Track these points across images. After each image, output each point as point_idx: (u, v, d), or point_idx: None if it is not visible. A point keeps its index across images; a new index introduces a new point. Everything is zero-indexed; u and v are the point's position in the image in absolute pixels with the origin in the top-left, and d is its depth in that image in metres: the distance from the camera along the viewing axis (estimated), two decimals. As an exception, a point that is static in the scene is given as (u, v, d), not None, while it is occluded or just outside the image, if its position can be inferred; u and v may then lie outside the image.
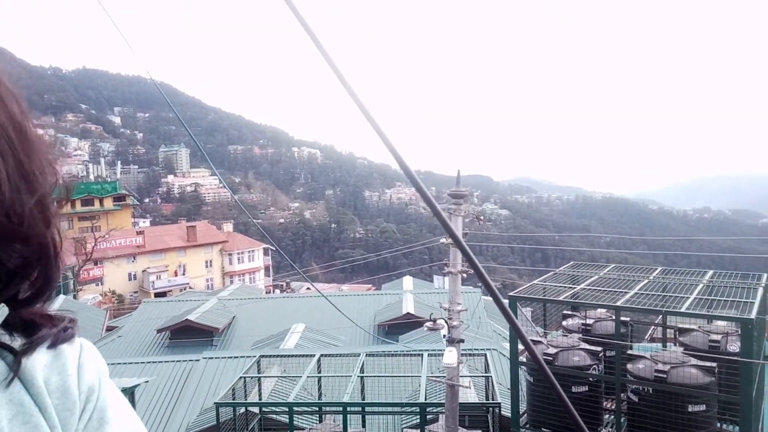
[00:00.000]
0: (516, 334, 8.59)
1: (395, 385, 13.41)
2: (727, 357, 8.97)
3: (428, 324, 10.68)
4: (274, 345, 20.24)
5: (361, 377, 12.95)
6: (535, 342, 10.35)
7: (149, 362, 18.13)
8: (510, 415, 10.32)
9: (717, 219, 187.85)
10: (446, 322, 10.56)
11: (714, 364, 8.77)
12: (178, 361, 17.84)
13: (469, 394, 12.36)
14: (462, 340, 10.82)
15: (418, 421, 11.44)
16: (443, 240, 10.74)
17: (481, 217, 11.60)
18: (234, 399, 12.05)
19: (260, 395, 12.98)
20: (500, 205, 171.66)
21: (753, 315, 8.69)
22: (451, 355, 9.86)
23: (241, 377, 12.96)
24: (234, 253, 66.73)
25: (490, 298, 31.54)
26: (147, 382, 13.93)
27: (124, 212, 71.18)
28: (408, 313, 23.22)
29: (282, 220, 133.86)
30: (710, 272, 11.78)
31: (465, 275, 11.36)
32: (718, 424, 9.03)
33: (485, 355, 13.95)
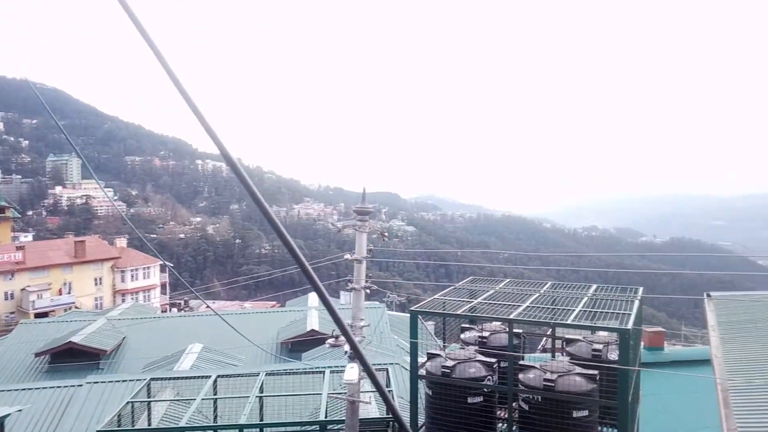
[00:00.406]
0: (414, 348, 8.70)
1: (296, 403, 13.11)
2: (607, 365, 9.62)
3: (330, 341, 10.58)
4: (168, 367, 19.17)
5: (260, 397, 12.56)
6: (434, 355, 10.55)
7: (24, 389, 16.47)
8: (410, 427, 10.41)
9: (603, 236, 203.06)
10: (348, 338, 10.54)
11: (596, 372, 9.37)
12: (58, 386, 16.34)
13: (370, 410, 12.34)
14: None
15: (319, 439, 11.26)
16: (347, 256, 10.73)
17: (386, 234, 11.74)
18: (120, 426, 11.22)
19: (149, 421, 12.20)
20: (407, 221, 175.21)
21: (630, 325, 9.39)
22: (352, 372, 9.82)
23: (128, 402, 12.11)
24: (127, 270, 62.74)
25: (394, 312, 31.92)
26: (20, 410, 12.65)
27: (2, 225, 64.88)
28: (312, 329, 22.91)
29: (182, 236, 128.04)
30: (594, 286, 12.61)
31: (369, 291, 11.42)
32: (600, 428, 9.64)
33: (387, 369, 14.03)
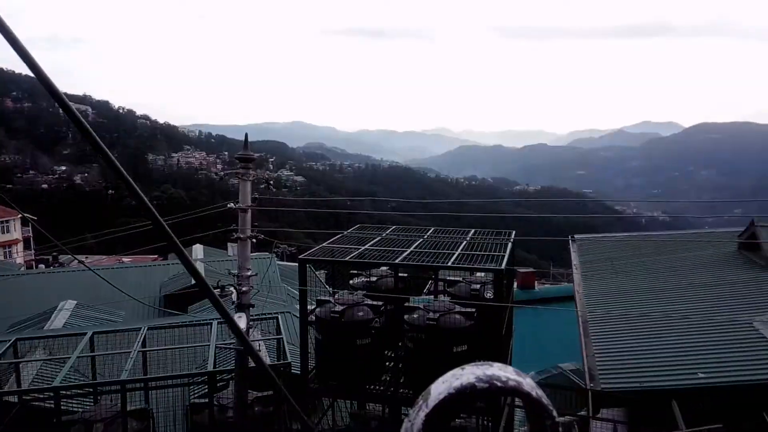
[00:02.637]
0: (302, 295, 8.81)
1: (183, 356, 12.85)
2: (483, 302, 10.42)
3: (215, 291, 10.38)
4: (39, 326, 17.82)
5: (143, 352, 12.14)
6: (324, 302, 10.77)
7: None
8: (300, 372, 10.68)
9: (482, 185, 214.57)
10: (235, 288, 10.40)
11: (474, 310, 10.12)
12: None
13: (261, 357, 12.42)
14: (252, 305, 10.79)
15: (207, 390, 11.19)
16: (231, 204, 10.46)
17: (271, 182, 11.55)
18: (-17, 391, 10.36)
19: (19, 382, 11.37)
20: (296, 171, 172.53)
21: (503, 266, 10.18)
22: (240, 321, 9.78)
23: (-9, 365, 11.18)
24: (-18, 225, 56.42)
25: (286, 263, 31.80)
26: None
27: None
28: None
29: (45, 186, 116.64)
30: (472, 231, 13.42)
31: (255, 240, 11.26)
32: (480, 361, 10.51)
33: (277, 318, 14.11)
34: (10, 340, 12.51)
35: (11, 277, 26.00)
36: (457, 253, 11.04)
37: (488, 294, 10.87)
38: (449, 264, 10.44)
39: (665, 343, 8.82)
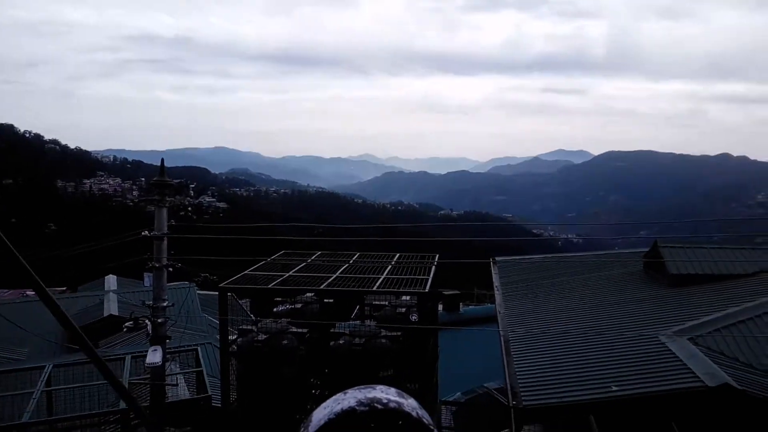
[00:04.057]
0: (222, 325, 8.49)
1: (93, 394, 11.98)
2: (408, 326, 10.47)
3: (128, 324, 9.86)
4: (-76, 369, 16.05)
5: (47, 392, 11.22)
6: (246, 331, 10.44)
7: None
8: (221, 405, 10.23)
9: (408, 210, 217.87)
10: (150, 320, 9.89)
11: (400, 333, 10.15)
12: None
13: (180, 391, 11.82)
14: (169, 338, 10.30)
15: (121, 429, 10.47)
16: (145, 232, 10.01)
17: (189, 209, 11.15)
18: None
19: None
20: (218, 197, 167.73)
21: (427, 289, 10.32)
22: (155, 354, 9.30)
23: None
24: None
25: (208, 291, 30.61)
26: None
27: None
28: (111, 315, 21.02)
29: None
30: (397, 255, 13.55)
31: (172, 269, 10.81)
32: (406, 385, 10.49)
33: (196, 349, 13.51)
34: None
35: None
36: (382, 277, 11.09)
37: (414, 317, 10.94)
38: (374, 288, 10.45)
39: (581, 358, 9.21)
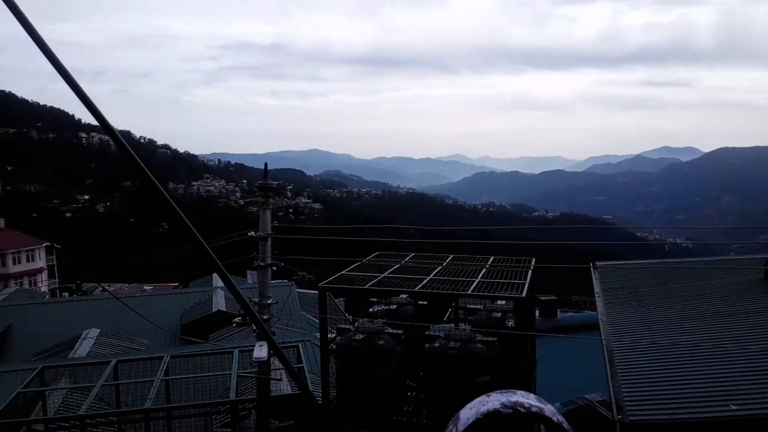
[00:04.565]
0: (323, 323, 8.85)
1: (205, 385, 12.89)
2: (504, 331, 10.32)
3: (237, 320, 10.48)
4: (63, 354, 18.02)
5: (166, 380, 12.21)
6: (344, 330, 10.77)
7: None
8: (321, 402, 10.62)
9: (500, 212, 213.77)
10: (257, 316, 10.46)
11: (495, 339, 10.03)
12: (-69, 382, 14.85)
13: (282, 387, 12.41)
14: (273, 334, 10.83)
15: (230, 419, 11.18)
16: (252, 233, 10.60)
17: (291, 210, 11.69)
18: (11, 418, 10.47)
19: (45, 411, 11.48)
20: (313, 198, 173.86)
21: (524, 294, 10.11)
22: (261, 350, 9.81)
23: (19, 392, 11.32)
24: (8, 253, 57.46)
25: (305, 290, 31.84)
26: None
27: None
28: (219, 310, 22.41)
29: (69, 215, 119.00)
30: (492, 258, 13.36)
31: (275, 268, 11.37)
32: (500, 391, 10.36)
33: (297, 346, 14.11)
34: (36, 369, 12.69)
35: (37, 305, 26.43)
36: (476, 280, 10.99)
37: (510, 323, 10.77)
38: (469, 292, 10.39)
39: (694, 373, 8.64)
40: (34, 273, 59.44)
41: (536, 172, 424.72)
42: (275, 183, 11.45)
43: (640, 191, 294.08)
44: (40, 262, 60.42)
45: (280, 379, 11.60)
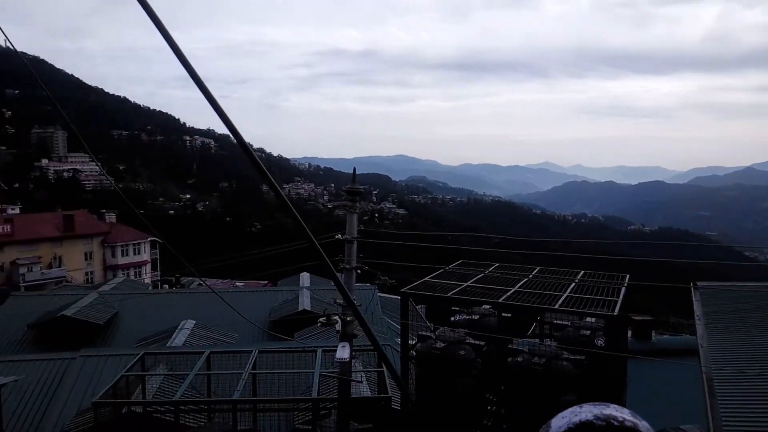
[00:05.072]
0: (405, 329, 8.89)
1: (288, 381, 13.35)
2: (594, 350, 9.88)
3: (322, 320, 10.77)
4: (161, 342, 19.32)
5: (253, 374, 12.76)
6: (425, 337, 10.77)
7: (18, 360, 16.57)
8: (400, 407, 10.67)
9: (592, 224, 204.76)
10: (340, 317, 10.69)
11: (583, 357, 9.63)
12: (52, 359, 16.45)
13: (362, 389, 12.59)
14: (355, 336, 11.02)
15: (311, 416, 11.49)
16: (339, 236, 10.86)
17: (377, 215, 11.84)
18: (115, 398, 11.39)
19: (144, 394, 12.38)
20: (398, 204, 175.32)
21: (616, 312, 9.63)
22: (343, 351, 10.01)
23: (122, 375, 12.27)
24: (117, 246, 62.53)
25: (386, 295, 32.15)
26: (16, 380, 12.77)
27: (-12, 197, 64.23)
28: (304, 309, 23.08)
29: (172, 212, 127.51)
30: (582, 272, 12.85)
31: (360, 271, 11.57)
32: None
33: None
34: (138, 355, 13.70)
35: (141, 295, 28.53)
36: (564, 295, 10.63)
37: (599, 341, 10.30)
38: (557, 306, 10.06)
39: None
40: (139, 265, 64.28)
41: (633, 183, 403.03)
42: (362, 188, 11.66)
43: (750, 207, 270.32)
44: (145, 255, 65.21)
45: (361, 381, 11.79)
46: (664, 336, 22.65)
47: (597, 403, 1.39)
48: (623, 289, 11.24)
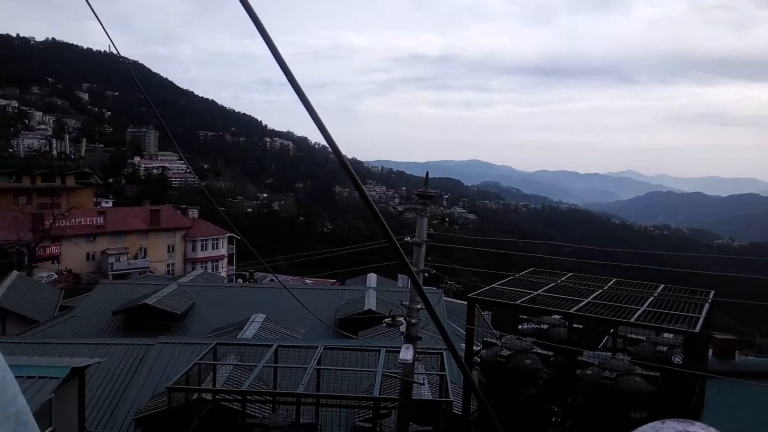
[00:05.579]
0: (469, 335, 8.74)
1: (351, 379, 13.49)
2: (671, 368, 9.32)
3: (387, 320, 10.79)
4: (233, 334, 20.08)
5: (318, 369, 12.99)
6: (490, 344, 10.57)
7: (102, 344, 17.76)
8: (461, 413, 10.52)
9: (675, 236, 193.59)
10: (405, 319, 10.68)
11: (658, 375, 9.11)
12: (132, 344, 17.52)
13: (423, 391, 12.53)
14: (419, 338, 10.97)
15: (371, 415, 11.55)
16: (408, 238, 10.86)
17: (447, 219, 11.76)
18: (188, 385, 11.94)
19: (214, 382, 12.90)
20: (468, 209, 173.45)
21: (697, 329, 9.05)
22: (407, 352, 10.00)
23: (195, 363, 12.84)
24: (198, 240, 65.72)
25: (452, 299, 31.90)
26: (99, 363, 13.68)
27: (86, 191, 69.31)
28: (369, 309, 23.28)
29: (249, 210, 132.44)
30: (662, 286, 12.19)
31: (427, 275, 11.52)
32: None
33: (441, 354, 14.15)
34: (211, 344, 14.31)
35: (217, 288, 29.81)
36: (641, 309, 10.12)
37: (677, 359, 9.72)
38: (632, 320, 9.58)
39: None
40: (216, 259, 67.27)
41: (723, 195, 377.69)
42: (433, 192, 11.62)
43: None
44: (223, 250, 68.14)
45: (423, 384, 11.73)
46: (749, 357, 21.07)
47: (681, 419, 1.30)
48: (706, 305, 10.58)
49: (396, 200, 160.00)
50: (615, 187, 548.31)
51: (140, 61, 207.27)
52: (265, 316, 21.71)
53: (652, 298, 11.07)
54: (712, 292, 11.39)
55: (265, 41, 1.91)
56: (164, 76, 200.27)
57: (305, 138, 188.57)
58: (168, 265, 63.25)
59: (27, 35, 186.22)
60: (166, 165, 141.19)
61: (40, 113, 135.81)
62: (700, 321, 9.39)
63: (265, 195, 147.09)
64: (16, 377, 0.95)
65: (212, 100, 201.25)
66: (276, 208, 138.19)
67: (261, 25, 1.86)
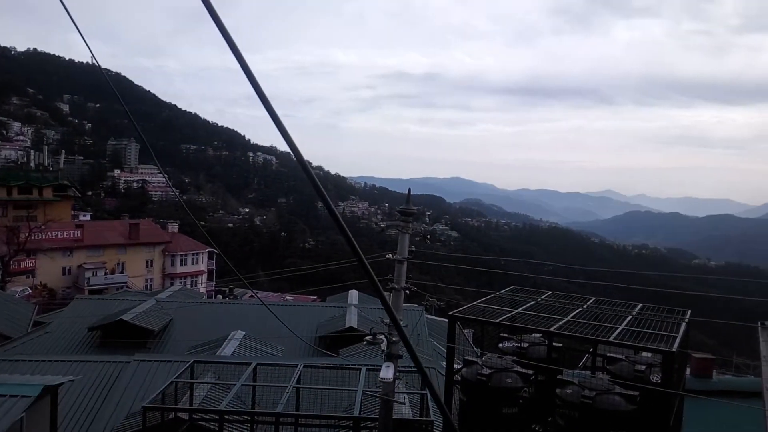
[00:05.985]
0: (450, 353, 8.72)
1: (331, 397, 13.34)
2: (649, 386, 9.39)
3: (368, 338, 10.73)
4: (211, 351, 19.77)
5: (297, 388, 12.83)
6: (471, 362, 10.54)
7: (77, 361, 17.34)
8: (441, 433, 10.45)
9: (653, 255, 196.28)
10: (386, 337, 10.63)
11: (637, 393, 9.17)
12: (108, 361, 17.14)
13: (404, 410, 12.43)
14: (400, 356, 10.91)
15: (351, 435, 11.42)
16: (389, 255, 10.85)
17: (428, 236, 11.76)
18: (164, 404, 11.69)
19: (191, 401, 12.65)
20: (450, 226, 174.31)
21: (675, 348, 9.15)
22: (388, 371, 9.93)
23: (172, 382, 12.60)
24: (177, 255, 64.90)
25: (433, 317, 31.85)
26: (73, 381, 13.34)
27: (63, 204, 68.19)
28: (350, 326, 23.15)
29: (231, 225, 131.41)
30: (640, 305, 12.31)
31: (408, 292, 11.50)
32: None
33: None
34: (188, 362, 14.06)
35: (196, 304, 29.38)
36: (620, 327, 10.20)
37: (655, 378, 9.80)
38: (611, 339, 9.65)
39: None
40: (196, 274, 66.42)
41: (700, 215, 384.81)
42: (416, 209, 11.65)
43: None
44: (202, 265, 67.34)
45: (403, 403, 11.64)
46: (726, 376, 21.35)
47: None
48: (684, 324, 10.69)
49: (378, 216, 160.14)
50: (594, 206, 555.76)
51: (124, 74, 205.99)
52: (244, 333, 21.42)
53: (630, 317, 11.17)
54: (689, 311, 11.52)
55: (231, 49, 1.93)
56: (147, 89, 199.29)
57: (288, 153, 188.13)
58: (146, 281, 62.28)
59: (8, 45, 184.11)
60: (147, 178, 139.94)
61: (19, 124, 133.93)
62: (678, 340, 9.49)
63: (247, 210, 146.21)
64: None
65: (195, 114, 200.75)
66: (258, 223, 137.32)
67: (228, 36, 1.87)
